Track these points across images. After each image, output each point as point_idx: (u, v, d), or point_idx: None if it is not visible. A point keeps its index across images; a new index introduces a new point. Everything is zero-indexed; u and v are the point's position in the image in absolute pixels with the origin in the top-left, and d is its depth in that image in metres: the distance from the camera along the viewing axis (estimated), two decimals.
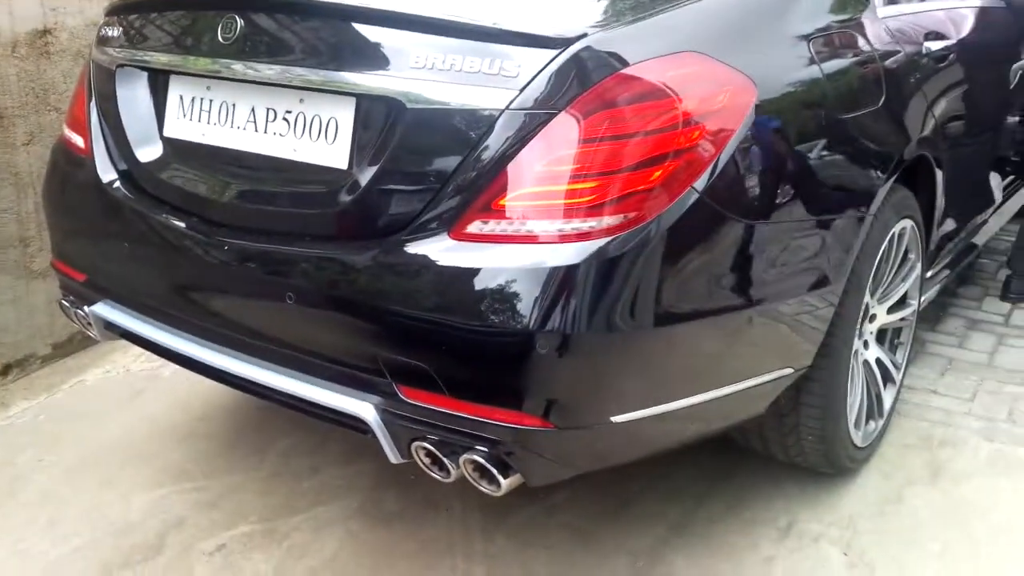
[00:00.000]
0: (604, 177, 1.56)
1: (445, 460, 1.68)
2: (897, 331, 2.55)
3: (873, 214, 2.03)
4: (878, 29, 2.17)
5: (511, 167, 1.57)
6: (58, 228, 2.24)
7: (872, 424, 2.40)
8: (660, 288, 1.62)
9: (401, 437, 1.71)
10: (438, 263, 1.61)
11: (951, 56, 2.50)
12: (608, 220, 1.56)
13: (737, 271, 1.72)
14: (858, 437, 2.29)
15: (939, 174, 2.43)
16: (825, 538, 2.19)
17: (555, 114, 1.56)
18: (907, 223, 2.30)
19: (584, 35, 1.59)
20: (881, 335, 2.47)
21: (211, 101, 1.92)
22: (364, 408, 1.70)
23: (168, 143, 2.01)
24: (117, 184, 2.06)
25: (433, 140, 1.63)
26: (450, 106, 1.60)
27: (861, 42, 2.10)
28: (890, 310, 2.43)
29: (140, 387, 2.90)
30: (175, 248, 1.95)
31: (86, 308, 2.12)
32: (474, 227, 1.60)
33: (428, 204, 1.62)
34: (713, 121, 1.65)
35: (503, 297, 1.56)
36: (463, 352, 1.59)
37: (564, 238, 1.56)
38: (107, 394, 2.88)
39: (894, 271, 2.37)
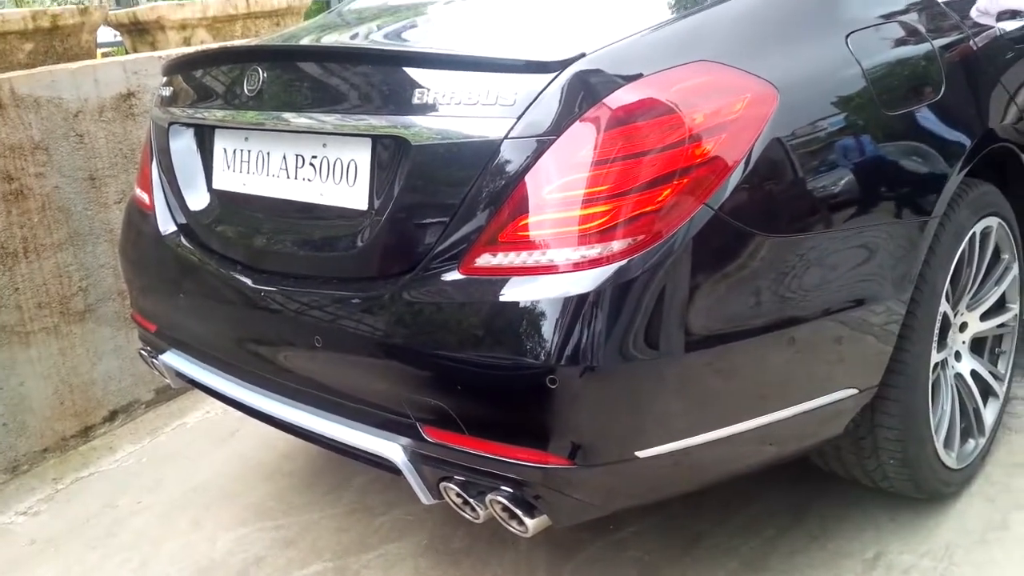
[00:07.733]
0: (612, 200, 1.50)
1: (472, 501, 1.65)
2: (998, 339, 2.32)
3: (940, 216, 1.86)
4: (933, 16, 2.00)
5: (514, 198, 1.54)
6: (132, 281, 2.36)
7: (971, 443, 2.19)
8: (683, 312, 1.53)
9: (430, 478, 1.69)
10: (448, 299, 1.58)
11: None
12: (618, 244, 1.49)
13: (768, 290, 1.60)
14: (951, 459, 2.09)
15: None
16: (916, 570, 2.00)
17: (555, 140, 1.51)
18: (992, 221, 2.10)
19: (581, 56, 1.54)
20: (978, 344, 2.26)
21: (249, 152, 1.98)
22: (392, 449, 1.69)
23: (216, 195, 2.08)
24: (175, 236, 2.15)
25: (438, 176, 1.61)
26: (451, 140, 1.58)
27: (910, 33, 1.94)
28: (984, 317, 2.22)
29: (234, 427, 3.00)
30: (222, 296, 2.01)
31: (159, 357, 2.23)
32: (483, 260, 1.57)
33: (438, 240, 1.61)
34: (728, 133, 1.55)
35: (513, 332, 1.51)
36: (477, 390, 1.56)
37: (575, 266, 1.51)
38: (205, 435, 3.01)
39: (982, 274, 2.16)
